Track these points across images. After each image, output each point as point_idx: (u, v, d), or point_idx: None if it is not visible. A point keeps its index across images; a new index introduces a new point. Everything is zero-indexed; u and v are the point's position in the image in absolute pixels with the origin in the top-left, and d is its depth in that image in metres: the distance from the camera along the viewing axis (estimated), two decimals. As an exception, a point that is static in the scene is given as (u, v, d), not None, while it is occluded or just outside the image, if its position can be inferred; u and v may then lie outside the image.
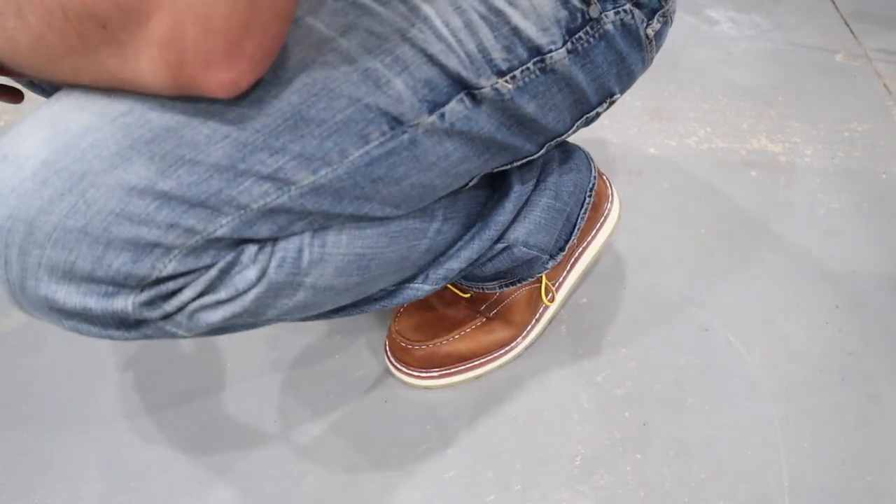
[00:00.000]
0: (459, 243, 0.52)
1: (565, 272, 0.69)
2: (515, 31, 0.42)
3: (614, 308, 0.72)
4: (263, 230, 0.37)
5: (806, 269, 0.77)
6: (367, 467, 0.58)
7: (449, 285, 0.66)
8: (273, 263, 0.39)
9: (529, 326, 0.66)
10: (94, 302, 0.34)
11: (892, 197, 0.88)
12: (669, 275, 0.76)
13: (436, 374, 0.63)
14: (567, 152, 0.62)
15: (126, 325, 0.37)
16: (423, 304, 0.66)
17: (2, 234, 0.33)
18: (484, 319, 0.64)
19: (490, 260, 0.56)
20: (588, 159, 0.65)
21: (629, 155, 0.94)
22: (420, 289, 0.52)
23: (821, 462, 0.59)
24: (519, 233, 0.55)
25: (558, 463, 0.59)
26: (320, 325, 0.69)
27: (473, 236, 0.53)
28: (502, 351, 0.65)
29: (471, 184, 0.49)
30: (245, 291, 0.38)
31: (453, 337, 0.63)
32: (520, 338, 0.66)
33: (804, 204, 0.86)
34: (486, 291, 0.64)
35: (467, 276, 0.62)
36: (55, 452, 0.59)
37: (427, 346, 0.62)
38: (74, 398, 0.63)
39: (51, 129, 0.33)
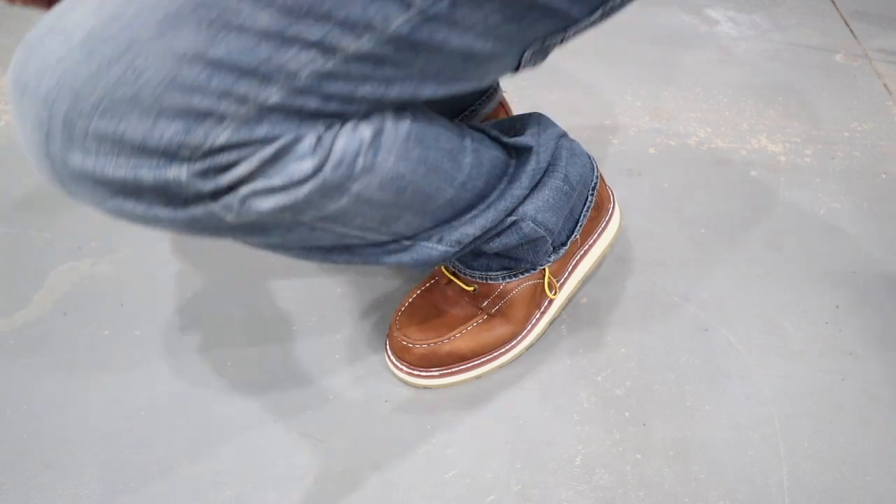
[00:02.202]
0: (475, 210, 0.54)
1: (566, 273, 0.69)
2: None
3: (614, 308, 0.72)
4: (312, 101, 0.37)
5: (806, 269, 0.77)
6: (367, 467, 0.58)
7: (453, 278, 0.66)
8: (331, 162, 0.38)
9: (531, 324, 0.66)
10: (145, 172, 0.33)
11: (892, 197, 0.88)
12: (669, 275, 0.76)
13: (436, 373, 0.63)
14: (573, 148, 0.64)
15: (175, 201, 0.35)
16: (424, 303, 0.66)
17: (46, 105, 0.32)
18: (486, 316, 0.64)
19: (500, 234, 0.58)
20: (591, 160, 0.67)
21: (629, 155, 0.94)
22: (434, 249, 0.53)
23: (821, 462, 0.59)
24: (528, 208, 0.57)
25: (558, 463, 0.59)
26: (320, 324, 0.69)
27: (489, 205, 0.55)
28: (503, 350, 0.65)
29: (507, 67, 0.46)
30: (300, 183, 0.38)
31: (454, 335, 0.63)
32: (521, 336, 0.66)
33: (804, 204, 0.86)
34: (490, 282, 0.64)
35: (475, 252, 0.63)
36: (55, 452, 0.59)
37: (428, 344, 0.62)
38: (74, 398, 0.63)
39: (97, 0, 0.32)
